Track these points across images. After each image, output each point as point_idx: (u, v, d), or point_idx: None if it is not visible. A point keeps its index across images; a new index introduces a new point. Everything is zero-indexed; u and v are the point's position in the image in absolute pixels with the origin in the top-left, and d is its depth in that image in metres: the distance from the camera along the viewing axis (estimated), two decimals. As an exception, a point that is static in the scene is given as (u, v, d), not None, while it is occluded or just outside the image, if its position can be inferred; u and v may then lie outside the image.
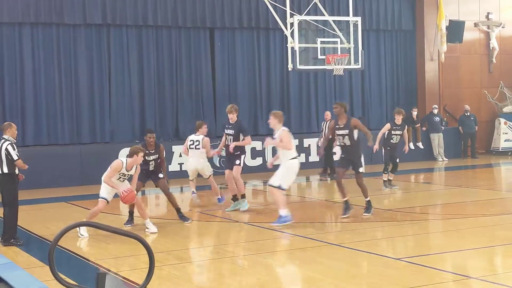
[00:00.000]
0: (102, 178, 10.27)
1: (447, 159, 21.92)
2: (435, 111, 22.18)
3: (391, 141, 14.76)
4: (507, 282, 7.34)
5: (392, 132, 14.72)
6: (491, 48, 24.09)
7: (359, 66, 17.25)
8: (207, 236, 10.63)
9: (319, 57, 16.86)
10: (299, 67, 16.46)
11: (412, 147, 21.94)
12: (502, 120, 23.48)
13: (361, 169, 11.42)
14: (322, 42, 16.89)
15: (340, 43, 17.09)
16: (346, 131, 11.24)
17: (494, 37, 23.98)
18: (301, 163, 19.57)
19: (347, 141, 11.27)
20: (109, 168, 10.22)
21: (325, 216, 12.32)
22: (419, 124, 22.09)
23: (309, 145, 20.44)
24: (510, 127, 23.52)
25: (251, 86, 20.66)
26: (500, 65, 24.24)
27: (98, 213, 10.28)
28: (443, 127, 22.35)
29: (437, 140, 22.09)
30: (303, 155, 20.26)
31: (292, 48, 16.43)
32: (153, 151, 11.51)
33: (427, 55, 22.88)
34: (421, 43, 22.93)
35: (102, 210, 10.32)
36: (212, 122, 19.65)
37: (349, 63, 16.94)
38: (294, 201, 14.46)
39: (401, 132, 14.81)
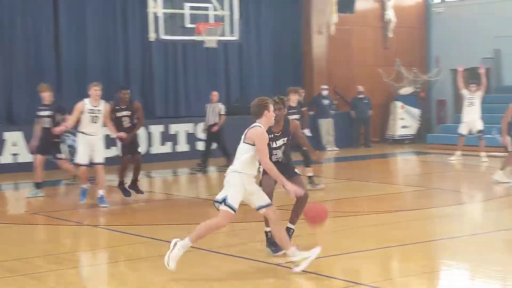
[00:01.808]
0: (235, 167, 7.88)
1: (337, 149, 22.40)
2: (324, 93, 22.59)
3: None
4: (403, 288, 7.53)
5: (289, 118, 14.12)
6: (386, 20, 24.81)
7: (235, 38, 17.30)
8: (49, 243, 10.31)
9: (188, 26, 16.74)
10: (163, 37, 16.29)
11: (297, 134, 22.26)
12: (399, 104, 24.28)
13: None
14: (191, 8, 16.77)
15: (213, 10, 17.02)
16: (284, 140, 8.85)
17: (390, 8, 24.72)
18: (168, 154, 19.79)
19: (280, 155, 8.87)
20: (245, 147, 7.88)
21: (195, 217, 12.21)
22: (305, 108, 22.33)
23: (177, 132, 20.24)
24: (407, 111, 24.38)
25: (104, 59, 20.29)
26: (396, 40, 25.03)
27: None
28: (333, 112, 22.81)
29: (326, 126, 22.51)
30: (169, 144, 20.12)
31: (155, 14, 16.22)
32: (125, 107, 13.21)
33: (314, 27, 23.24)
34: (308, 12, 23.27)
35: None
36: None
37: (223, 33, 16.93)
38: (158, 199, 14.28)
39: (299, 115, 14.14)
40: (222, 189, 7.94)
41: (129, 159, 13.50)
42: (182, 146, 20.36)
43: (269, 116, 7.95)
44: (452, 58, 24.76)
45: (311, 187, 13.95)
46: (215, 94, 18.48)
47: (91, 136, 12.70)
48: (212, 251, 9.13)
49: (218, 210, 7.90)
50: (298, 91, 14.45)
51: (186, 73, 21.61)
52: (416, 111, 24.63)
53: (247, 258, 8.74)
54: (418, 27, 25.84)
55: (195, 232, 7.97)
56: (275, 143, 8.73)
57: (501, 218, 11.63)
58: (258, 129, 7.89)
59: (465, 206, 12.96)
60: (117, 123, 13.28)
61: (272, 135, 8.60)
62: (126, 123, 13.36)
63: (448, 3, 25.76)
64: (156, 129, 19.93)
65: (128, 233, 10.59)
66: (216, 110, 18.17)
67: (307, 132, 22.28)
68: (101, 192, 12.76)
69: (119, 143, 13.82)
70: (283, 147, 8.81)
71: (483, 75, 18.95)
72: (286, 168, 8.77)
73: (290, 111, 13.66)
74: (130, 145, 13.49)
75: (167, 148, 20.08)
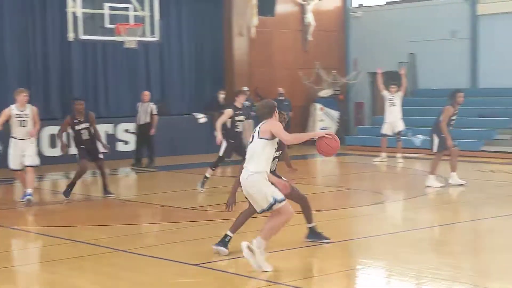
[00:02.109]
0: (254, 169, 7.93)
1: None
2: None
3: (236, 129, 13.76)
4: (321, 286, 7.58)
5: (236, 119, 13.69)
6: (306, 24, 25.06)
7: (156, 39, 17.17)
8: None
9: (107, 26, 16.54)
10: (82, 37, 16.06)
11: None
12: (318, 106, 24.55)
13: None
14: (110, 8, 16.57)
15: (133, 11, 16.88)
16: (278, 153, 9.01)
17: (310, 11, 24.98)
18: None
19: (273, 167, 9.02)
20: (277, 131, 7.89)
21: (113, 218, 12.06)
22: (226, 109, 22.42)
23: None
24: (326, 113, 24.65)
25: (23, 58, 19.84)
26: (316, 43, 25.29)
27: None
28: (253, 113, 22.85)
29: (247, 127, 22.49)
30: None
31: (74, 13, 15.97)
32: (83, 119, 13.41)
33: (235, 29, 23.26)
34: (229, 15, 23.26)
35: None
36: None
37: (144, 34, 16.81)
38: (77, 200, 14.08)
39: (245, 117, 14.02)
40: (256, 200, 7.95)
41: (87, 165, 13.63)
42: (102, 147, 20.03)
43: (277, 116, 8.15)
44: (369, 62, 25.21)
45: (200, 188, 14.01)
46: (146, 94, 18.53)
47: (21, 140, 12.83)
48: (132, 253, 9.05)
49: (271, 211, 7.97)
50: (246, 92, 14.32)
51: (106, 73, 21.33)
52: (335, 113, 24.93)
53: (167, 259, 8.68)
54: (337, 30, 26.17)
55: (266, 231, 8.00)
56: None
57: (417, 218, 11.86)
58: (272, 120, 8.02)
59: (382, 206, 13.16)
60: (76, 136, 13.49)
61: None
62: (85, 135, 13.50)
63: (365, 8, 26.17)
64: (76, 130, 19.64)
65: (45, 235, 10.39)
66: (148, 110, 18.17)
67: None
68: (28, 191, 12.82)
69: (77, 150, 13.72)
70: (276, 160, 8.80)
71: (403, 76, 19.26)
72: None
73: (236, 112, 13.62)
74: (91, 153, 13.58)
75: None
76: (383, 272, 8.40)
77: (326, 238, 9.41)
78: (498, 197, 13.55)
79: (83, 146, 13.53)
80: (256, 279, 7.86)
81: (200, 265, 8.32)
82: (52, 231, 10.60)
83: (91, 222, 11.59)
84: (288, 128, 23.03)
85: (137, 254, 8.98)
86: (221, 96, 22.38)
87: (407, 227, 10.92)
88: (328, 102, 24.77)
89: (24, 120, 12.84)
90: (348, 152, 22.16)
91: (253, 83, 23.79)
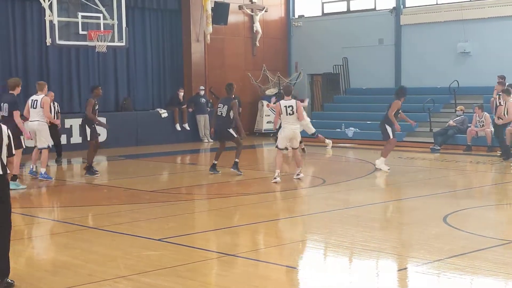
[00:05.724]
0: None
1: (212, 141, 22.35)
2: (201, 93, 22.52)
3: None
4: (266, 258, 7.56)
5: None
6: (254, 32, 25.04)
7: (123, 44, 16.98)
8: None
9: (81, 32, 16.29)
10: (58, 42, 15.78)
11: (178, 128, 22.13)
12: (265, 102, 24.50)
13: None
14: (83, 17, 16.32)
15: (103, 19, 16.65)
16: None
17: (258, 21, 24.96)
18: (63, 145, 19.14)
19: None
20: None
21: (85, 200, 11.85)
22: (185, 105, 22.29)
23: (71, 125, 19.63)
24: (272, 109, 24.60)
25: (5, 60, 19.44)
26: (263, 49, 25.30)
27: None
28: (209, 109, 22.76)
29: (203, 121, 22.45)
30: (64, 137, 19.46)
31: (51, 21, 15.65)
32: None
33: (193, 36, 23.12)
34: (187, 23, 23.11)
35: None
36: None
37: (112, 40, 16.59)
38: (58, 185, 13.84)
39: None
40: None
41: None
42: (76, 138, 19.72)
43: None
44: (309, 65, 25.31)
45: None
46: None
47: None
48: (102, 230, 8.91)
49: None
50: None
51: (80, 73, 21.02)
52: (279, 109, 24.90)
53: (129, 234, 8.57)
54: (281, 38, 26.19)
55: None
56: None
57: (349, 198, 11.92)
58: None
59: (320, 188, 13.17)
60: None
61: None
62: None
63: (305, 18, 26.20)
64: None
65: (26, 215, 10.19)
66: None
67: (186, 126, 22.27)
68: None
69: (91, 129, 14.02)
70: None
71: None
72: None
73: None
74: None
75: (61, 140, 19.37)
76: (321, 244, 8.41)
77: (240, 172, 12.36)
78: (418, 180, 13.71)
79: (94, 125, 14.00)
80: (210, 251, 7.81)
81: (162, 240, 8.23)
82: (32, 212, 10.38)
83: (65, 204, 11.39)
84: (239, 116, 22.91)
85: (106, 230, 8.86)
86: (181, 94, 22.22)
87: (340, 206, 10.95)
88: (273, 99, 24.77)
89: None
90: (290, 142, 22.17)
91: (208, 83, 23.73)
